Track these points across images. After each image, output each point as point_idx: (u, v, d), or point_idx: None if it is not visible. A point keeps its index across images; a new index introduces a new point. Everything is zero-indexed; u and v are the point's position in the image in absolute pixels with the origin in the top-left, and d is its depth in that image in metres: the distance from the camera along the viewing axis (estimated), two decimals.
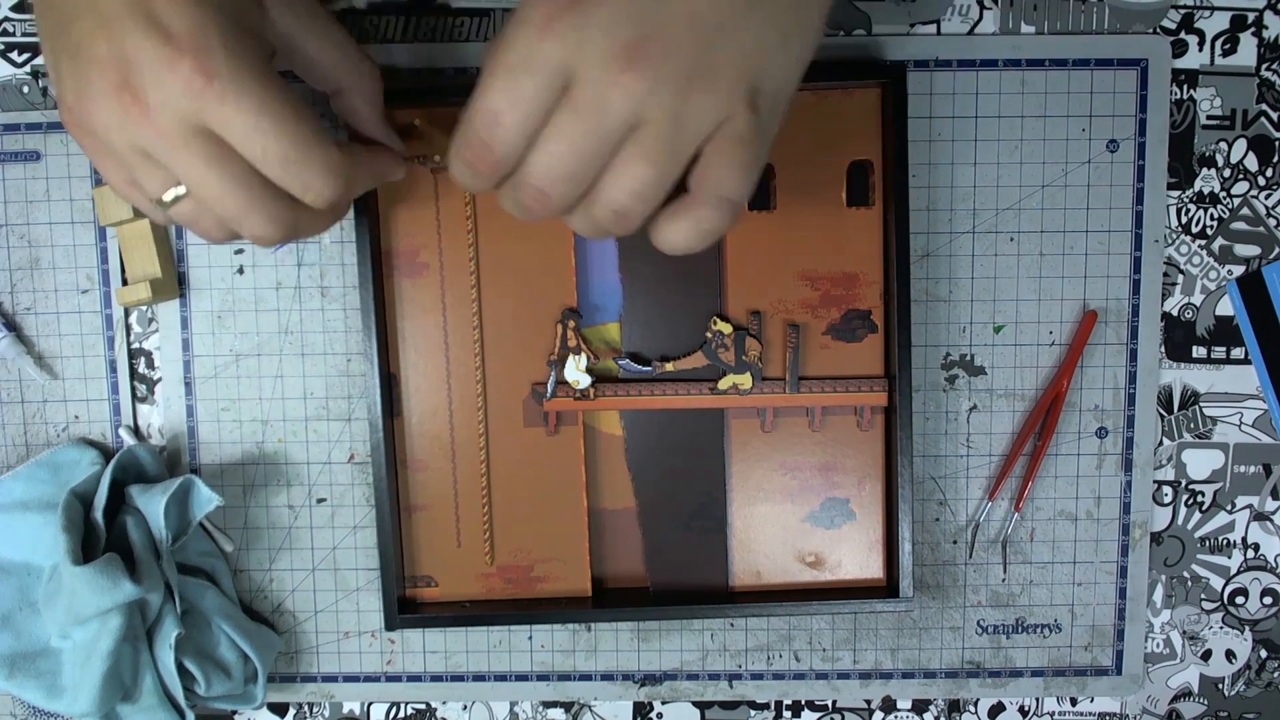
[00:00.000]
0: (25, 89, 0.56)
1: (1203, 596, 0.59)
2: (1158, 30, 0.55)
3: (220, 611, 0.55)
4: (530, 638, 0.58)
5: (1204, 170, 0.56)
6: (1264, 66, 0.55)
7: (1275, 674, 0.59)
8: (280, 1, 0.42)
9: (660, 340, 0.56)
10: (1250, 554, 0.58)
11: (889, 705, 0.59)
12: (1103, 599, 0.58)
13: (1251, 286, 0.57)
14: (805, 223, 0.55)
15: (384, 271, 0.55)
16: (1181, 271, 0.57)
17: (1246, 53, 0.55)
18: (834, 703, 0.59)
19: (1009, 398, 0.57)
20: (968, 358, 0.57)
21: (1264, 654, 0.59)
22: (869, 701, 0.59)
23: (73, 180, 0.56)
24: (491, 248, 0.55)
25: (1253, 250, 0.56)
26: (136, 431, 0.57)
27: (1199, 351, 0.57)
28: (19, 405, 0.57)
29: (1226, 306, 0.57)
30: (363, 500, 0.57)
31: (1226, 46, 0.55)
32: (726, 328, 0.55)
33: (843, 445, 0.56)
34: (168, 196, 0.40)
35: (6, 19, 0.56)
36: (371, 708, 0.59)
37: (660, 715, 0.59)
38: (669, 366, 0.55)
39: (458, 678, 0.59)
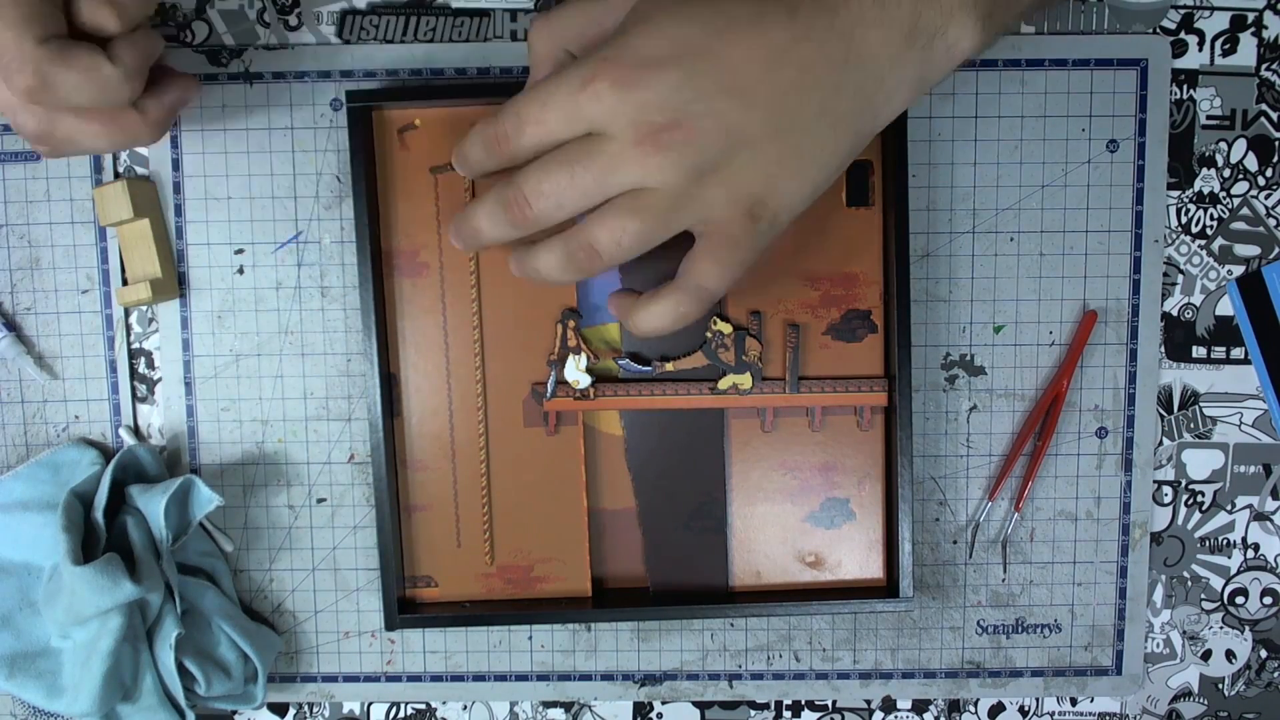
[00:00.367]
0: None
1: (1203, 596, 0.59)
2: (1158, 30, 0.55)
3: (220, 611, 0.55)
4: (530, 638, 0.58)
5: (1204, 170, 0.56)
6: (1264, 66, 0.55)
7: (1275, 674, 0.59)
8: None
9: (660, 340, 0.56)
10: (1250, 554, 0.58)
11: (889, 705, 0.59)
12: (1103, 599, 0.58)
13: (1251, 286, 0.57)
14: (805, 223, 0.54)
15: (384, 271, 0.55)
16: (1181, 271, 0.57)
17: (1246, 53, 0.55)
18: (834, 703, 0.59)
19: (1009, 398, 0.57)
20: (968, 358, 0.57)
21: (1264, 654, 0.59)
22: (869, 701, 0.59)
23: (73, 180, 0.56)
24: (492, 248, 0.55)
25: (1253, 250, 0.56)
26: (136, 431, 0.57)
27: (1199, 351, 0.57)
28: (19, 405, 0.57)
29: (1226, 306, 0.57)
30: (363, 500, 0.57)
31: (1226, 46, 0.55)
32: (726, 327, 0.55)
33: (843, 445, 0.56)
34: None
35: None
36: (371, 708, 0.59)
37: (660, 715, 0.59)
38: (669, 366, 0.55)
39: (458, 678, 0.59)
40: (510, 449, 0.56)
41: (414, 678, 0.59)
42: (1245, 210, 0.56)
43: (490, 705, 0.59)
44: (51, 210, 0.56)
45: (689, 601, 0.56)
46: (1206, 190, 0.56)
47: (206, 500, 0.53)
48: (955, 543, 0.58)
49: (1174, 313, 0.57)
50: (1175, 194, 0.56)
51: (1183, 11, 0.55)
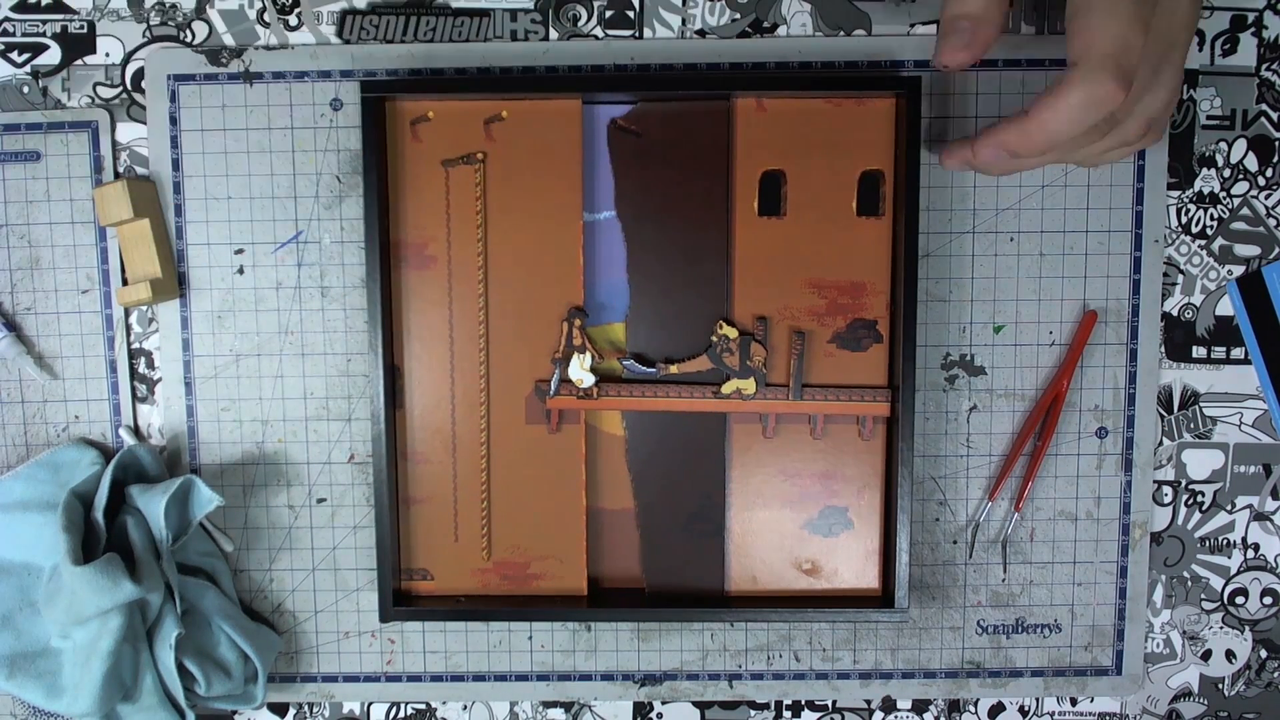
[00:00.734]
0: (25, 89, 0.56)
1: (1203, 596, 0.59)
2: None
3: (220, 611, 0.55)
4: (530, 638, 0.58)
5: (1204, 170, 0.56)
6: (1264, 66, 0.55)
7: (1275, 674, 0.59)
8: None
9: (665, 342, 0.56)
10: (1250, 554, 0.58)
11: (889, 705, 0.59)
12: (1103, 599, 0.58)
13: (1251, 286, 0.57)
14: (815, 230, 0.55)
15: (392, 263, 0.55)
16: (1181, 271, 0.57)
17: (1246, 53, 0.55)
18: (834, 703, 0.59)
19: (1009, 398, 0.57)
20: (968, 358, 0.57)
21: (1264, 654, 0.59)
22: (869, 701, 0.59)
23: (73, 180, 0.56)
24: (500, 243, 0.55)
25: (1253, 250, 0.56)
26: (136, 431, 0.57)
27: (1199, 351, 0.57)
28: (19, 405, 0.57)
29: (1226, 306, 0.57)
30: (363, 500, 0.57)
31: (1226, 46, 0.55)
32: (732, 332, 0.55)
33: (843, 454, 0.56)
34: None
35: (7, 19, 0.55)
36: (371, 708, 0.59)
37: (660, 715, 0.59)
38: (673, 369, 0.55)
39: (458, 678, 0.59)
40: (511, 445, 0.56)
41: (414, 678, 0.59)
42: (1245, 210, 0.56)
43: (490, 705, 0.59)
44: (51, 210, 0.56)
45: (685, 604, 0.56)
46: (1206, 190, 0.56)
47: (206, 500, 0.53)
48: (955, 543, 0.58)
49: (1174, 313, 0.57)
50: (1175, 194, 0.56)
51: None
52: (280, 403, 0.57)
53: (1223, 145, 0.56)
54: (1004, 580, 0.58)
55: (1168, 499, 0.58)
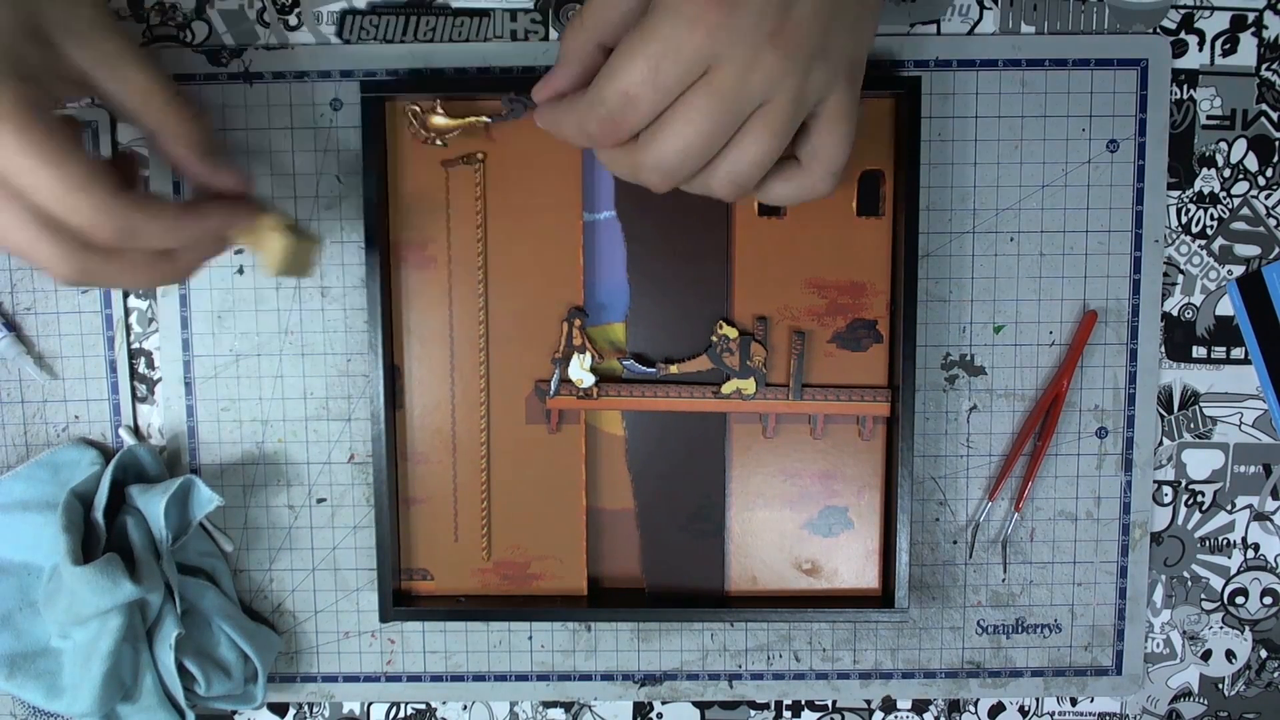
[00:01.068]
0: None
1: (1203, 596, 0.59)
2: (1158, 30, 0.55)
3: (220, 611, 0.55)
4: (530, 638, 0.58)
5: (1204, 170, 0.56)
6: (1264, 66, 0.55)
7: (1275, 674, 0.59)
8: (75, 39, 0.41)
9: (665, 342, 0.56)
10: (1250, 554, 0.58)
11: (889, 705, 0.59)
12: (1103, 599, 0.58)
13: (1251, 286, 0.57)
14: (815, 230, 0.55)
15: (392, 263, 0.55)
16: (1181, 271, 0.57)
17: (1246, 53, 0.55)
18: (834, 703, 0.59)
19: (1009, 398, 0.57)
20: (968, 358, 0.57)
21: (1264, 654, 0.59)
22: (869, 701, 0.59)
23: None
24: (500, 243, 0.55)
25: (1253, 250, 0.56)
26: (136, 431, 0.57)
27: (1199, 351, 0.57)
28: (19, 405, 0.57)
29: (1226, 306, 0.57)
30: (363, 500, 0.57)
31: (1226, 46, 0.55)
32: (732, 332, 0.55)
33: (843, 454, 0.56)
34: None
35: None
36: (371, 708, 0.59)
37: (660, 715, 0.59)
38: (673, 369, 0.55)
39: (458, 678, 0.59)
40: (511, 445, 0.56)
41: (414, 678, 0.59)
42: (1245, 210, 0.56)
43: (490, 705, 0.59)
44: None
45: (685, 604, 0.56)
46: (1206, 190, 0.56)
47: (206, 500, 0.53)
48: (955, 543, 0.58)
49: (1174, 313, 0.57)
50: (1175, 194, 0.56)
51: (1183, 11, 0.55)
52: (280, 403, 0.57)
53: (1223, 145, 0.56)
54: (1004, 580, 0.58)
55: (1168, 499, 0.58)
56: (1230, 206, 0.56)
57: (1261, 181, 0.56)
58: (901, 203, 0.53)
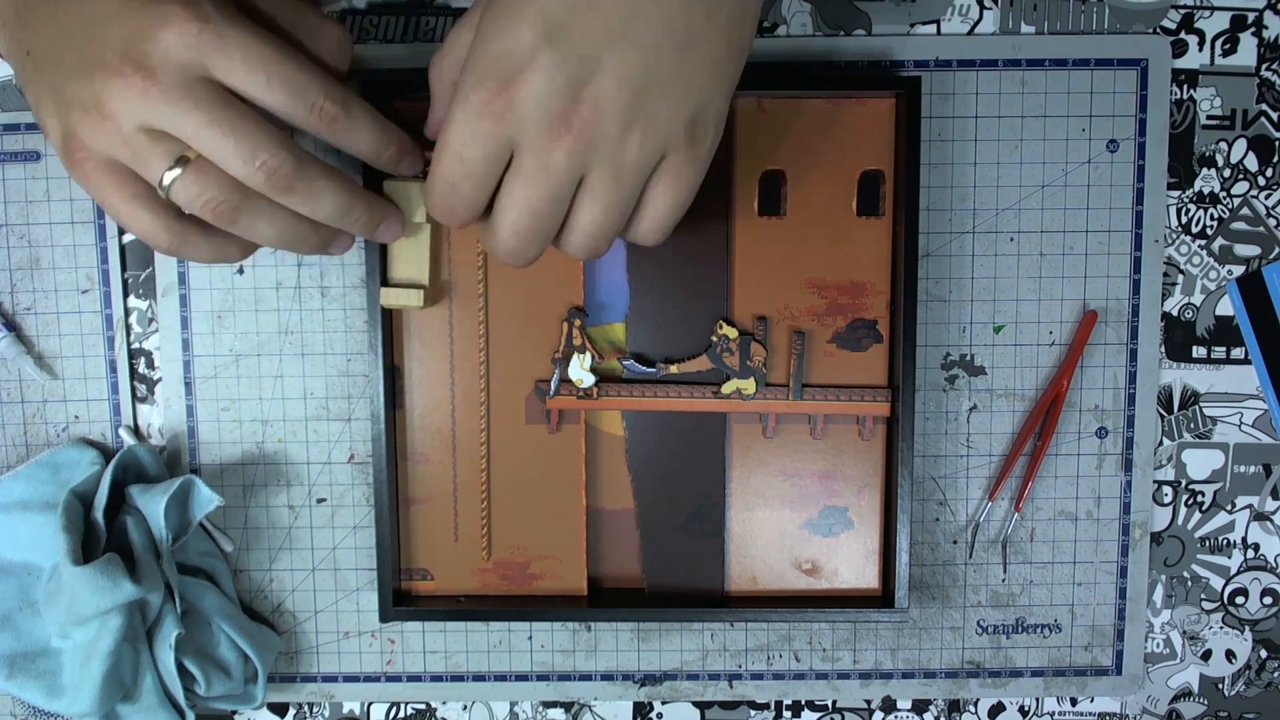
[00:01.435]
0: None
1: (1203, 596, 0.59)
2: (1158, 30, 0.55)
3: (220, 611, 0.55)
4: (530, 638, 0.58)
5: (1204, 170, 0.56)
6: (1264, 66, 0.55)
7: (1275, 674, 0.59)
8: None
9: (665, 342, 0.56)
10: (1250, 554, 0.58)
11: (889, 705, 0.59)
12: (1103, 599, 0.58)
13: (1251, 286, 0.57)
14: (815, 230, 0.55)
15: None
16: (1181, 271, 0.57)
17: (1246, 53, 0.55)
18: (834, 703, 0.59)
19: (1009, 398, 0.57)
20: (968, 358, 0.57)
21: (1264, 654, 0.59)
22: (869, 701, 0.59)
23: (73, 180, 0.56)
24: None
25: (1253, 250, 0.57)
26: (136, 431, 0.57)
27: (1199, 351, 0.57)
28: (19, 405, 0.57)
29: (1226, 306, 0.57)
30: (363, 500, 0.57)
31: (1226, 46, 0.55)
32: (732, 332, 0.55)
33: (843, 454, 0.56)
34: (168, 179, 0.41)
35: None
36: (371, 708, 0.59)
37: (660, 715, 0.59)
38: (673, 369, 0.55)
39: (458, 678, 0.59)
40: (511, 445, 0.56)
41: (414, 678, 0.59)
42: (1245, 210, 0.56)
43: (490, 705, 0.59)
44: (51, 210, 0.56)
45: (685, 604, 0.56)
46: (1206, 190, 0.56)
47: (206, 500, 0.53)
48: (955, 543, 0.58)
49: (1174, 313, 0.57)
50: (1175, 194, 0.56)
51: (1183, 11, 0.55)
52: (280, 403, 0.57)
53: (1223, 145, 0.56)
54: (1004, 580, 0.58)
55: (1168, 499, 0.58)
56: (1230, 206, 0.56)
57: (1261, 181, 0.56)
58: (901, 203, 0.53)
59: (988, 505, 0.57)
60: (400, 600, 0.56)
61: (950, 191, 0.56)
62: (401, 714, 0.59)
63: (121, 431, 0.57)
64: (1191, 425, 0.57)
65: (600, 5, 0.36)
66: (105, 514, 0.53)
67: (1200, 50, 0.55)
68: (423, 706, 0.59)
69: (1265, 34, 0.55)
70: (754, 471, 0.56)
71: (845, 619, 0.56)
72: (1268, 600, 0.59)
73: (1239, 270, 0.57)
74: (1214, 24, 0.55)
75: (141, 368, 0.57)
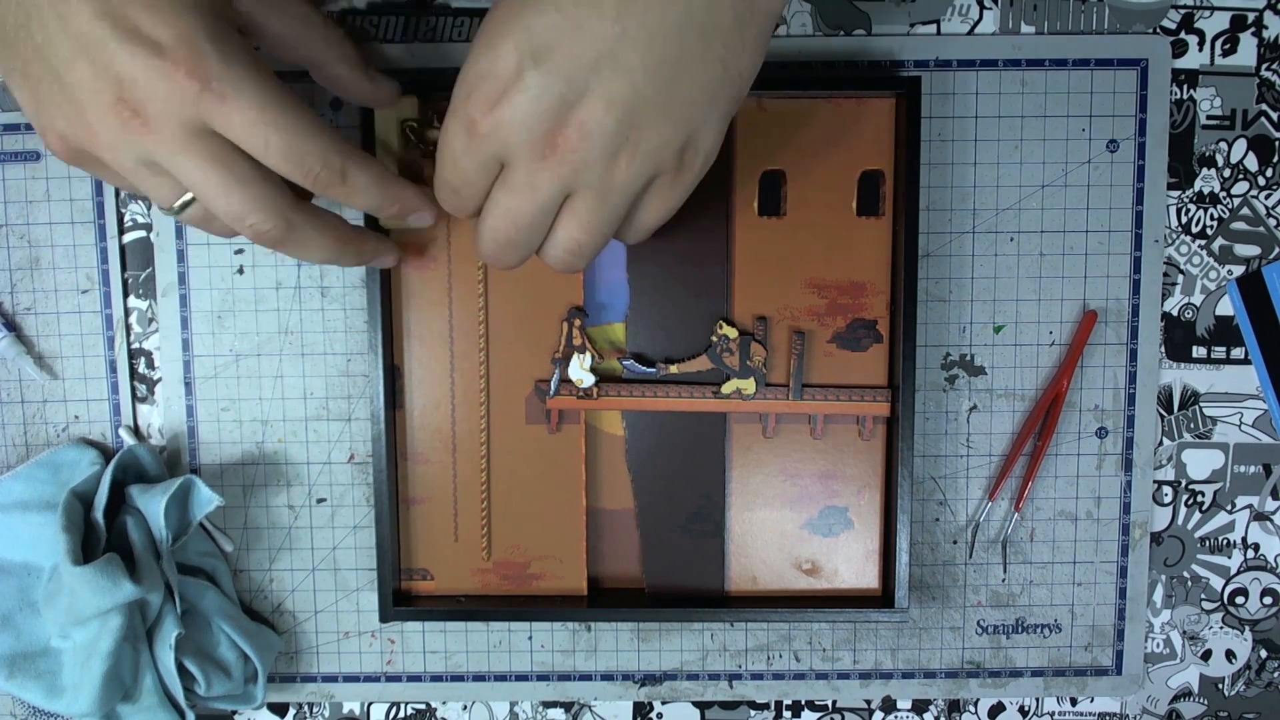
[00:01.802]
0: None
1: (1203, 596, 0.59)
2: (1158, 30, 0.55)
3: (220, 611, 0.55)
4: (530, 638, 0.58)
5: (1204, 170, 0.56)
6: (1264, 66, 0.55)
7: (1275, 674, 0.59)
8: None
9: (665, 342, 0.56)
10: (1250, 554, 0.58)
11: (889, 705, 0.59)
12: (1103, 599, 0.58)
13: (1251, 286, 0.57)
14: (815, 230, 0.55)
15: None
16: (1181, 271, 0.57)
17: (1246, 53, 0.55)
18: (834, 703, 0.59)
19: (1009, 398, 0.57)
20: (968, 358, 0.57)
21: (1264, 654, 0.59)
22: (869, 701, 0.59)
23: (73, 180, 0.56)
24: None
25: (1253, 250, 0.57)
26: (136, 431, 0.57)
27: (1199, 351, 0.57)
28: (19, 405, 0.57)
29: (1226, 306, 0.57)
30: (363, 500, 0.57)
31: (1226, 46, 0.55)
32: (732, 332, 0.55)
33: (843, 454, 0.56)
34: (177, 205, 0.42)
35: None
36: (371, 708, 0.59)
37: (660, 715, 0.59)
38: (673, 369, 0.55)
39: (458, 678, 0.59)
40: (511, 445, 0.56)
41: (414, 678, 0.59)
42: (1245, 210, 0.56)
43: (490, 705, 0.59)
44: (51, 210, 0.56)
45: (685, 604, 0.56)
46: (1206, 190, 0.56)
47: (206, 500, 0.53)
48: (955, 543, 0.58)
49: (1174, 313, 0.57)
50: (1175, 194, 0.56)
51: (1183, 11, 0.55)
52: (280, 403, 0.57)
53: (1223, 145, 0.56)
54: (1004, 580, 0.58)
55: (1168, 499, 0.58)
56: (1230, 206, 0.56)
57: (1261, 181, 0.56)
58: (901, 203, 0.53)
59: (988, 505, 0.57)
60: (400, 600, 0.56)
61: (950, 191, 0.56)
62: (401, 714, 0.59)
63: (121, 431, 0.57)
64: (1191, 425, 0.57)
65: (588, 27, 0.36)
66: (105, 514, 0.53)
67: (1200, 50, 0.55)
68: (423, 706, 0.59)
69: (1265, 34, 0.55)
70: (754, 471, 0.56)
71: (845, 619, 0.56)
72: (1268, 600, 0.59)
73: (1239, 270, 0.57)
74: (1214, 24, 0.55)
75: (141, 368, 0.57)
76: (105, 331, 0.57)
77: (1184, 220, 0.56)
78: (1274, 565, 0.58)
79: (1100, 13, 0.55)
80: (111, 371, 0.57)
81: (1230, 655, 0.59)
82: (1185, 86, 0.55)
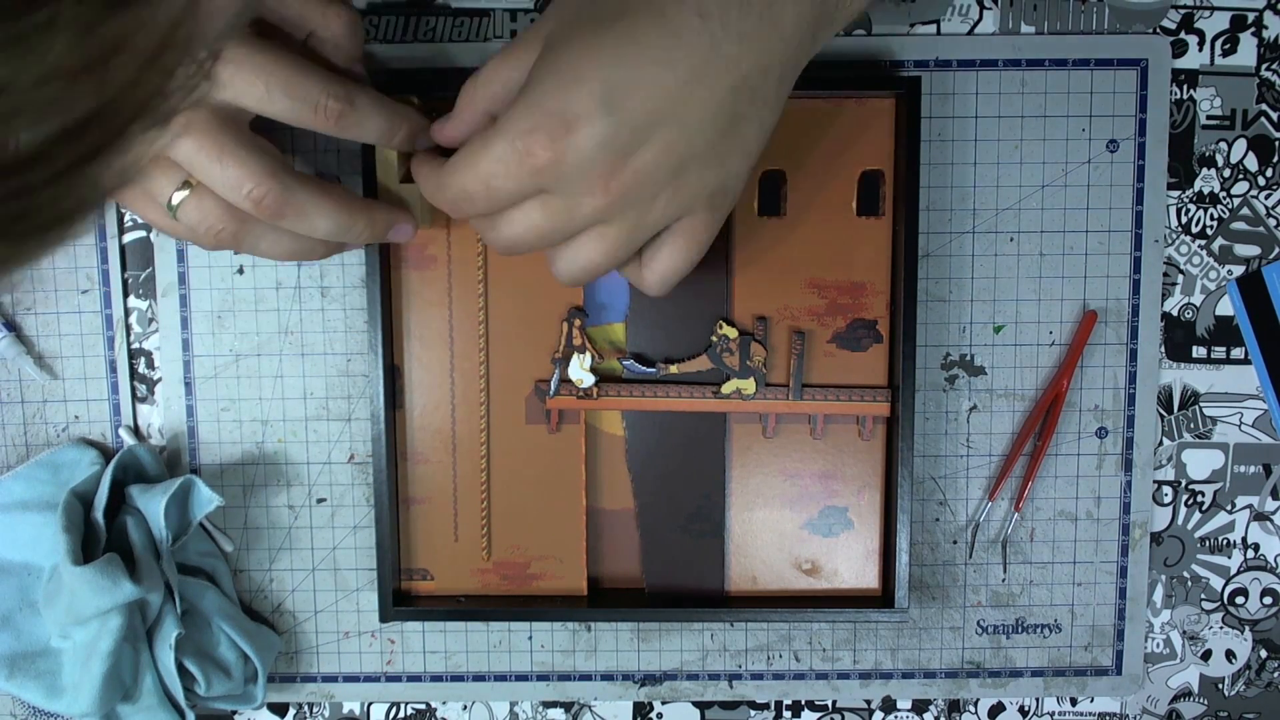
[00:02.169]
0: None
1: (1203, 596, 0.59)
2: (1158, 30, 0.55)
3: (220, 611, 0.55)
4: (530, 638, 0.58)
5: (1204, 170, 0.56)
6: (1264, 66, 0.55)
7: (1275, 674, 0.59)
8: None
9: (665, 342, 0.56)
10: (1250, 554, 0.58)
11: (889, 705, 0.59)
12: (1103, 599, 0.58)
13: (1251, 286, 0.57)
14: (815, 230, 0.55)
15: (392, 262, 0.55)
16: (1181, 271, 0.57)
17: (1246, 53, 0.55)
18: (834, 703, 0.59)
19: (1009, 398, 0.57)
20: (968, 358, 0.57)
21: (1264, 654, 0.59)
22: (869, 701, 0.59)
23: None
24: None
25: (1253, 250, 0.56)
26: (136, 431, 0.57)
27: (1199, 351, 0.57)
28: (19, 405, 0.57)
29: (1226, 306, 0.57)
30: (362, 500, 0.57)
31: (1226, 46, 0.55)
32: (732, 332, 0.55)
33: (843, 454, 0.56)
34: (175, 199, 0.42)
35: None
36: (371, 708, 0.59)
37: (660, 715, 0.59)
38: (673, 369, 0.55)
39: (458, 678, 0.59)
40: (511, 445, 0.56)
41: (414, 678, 0.59)
42: (1245, 210, 0.56)
43: (490, 705, 0.59)
44: None
45: (685, 604, 0.56)
46: (1206, 190, 0.56)
47: (206, 500, 0.53)
48: (955, 543, 0.58)
49: (1174, 313, 0.57)
50: (1175, 194, 0.56)
51: (1183, 11, 0.55)
52: (280, 403, 0.57)
53: (1223, 145, 0.56)
54: (1004, 580, 0.58)
55: (1168, 499, 0.58)
56: (1230, 206, 0.56)
57: (1261, 181, 0.56)
58: (901, 203, 0.53)
59: (988, 505, 0.57)
60: (400, 600, 0.56)
61: (950, 191, 0.56)
62: (401, 714, 0.59)
63: (121, 431, 0.57)
64: (1191, 425, 0.57)
65: (660, 80, 0.37)
66: (105, 514, 0.53)
67: (1200, 50, 0.55)
68: (423, 706, 0.59)
69: (1265, 34, 0.55)
70: (754, 471, 0.56)
71: (845, 619, 0.56)
72: (1268, 600, 0.59)
73: (1239, 270, 0.57)
74: (1214, 24, 0.55)
75: (141, 368, 0.57)
76: (105, 331, 0.57)
77: (1184, 220, 0.56)
78: (1274, 565, 0.58)
79: (1100, 13, 0.55)
80: (111, 371, 0.57)
81: (1230, 655, 0.59)
82: (1185, 86, 0.55)
